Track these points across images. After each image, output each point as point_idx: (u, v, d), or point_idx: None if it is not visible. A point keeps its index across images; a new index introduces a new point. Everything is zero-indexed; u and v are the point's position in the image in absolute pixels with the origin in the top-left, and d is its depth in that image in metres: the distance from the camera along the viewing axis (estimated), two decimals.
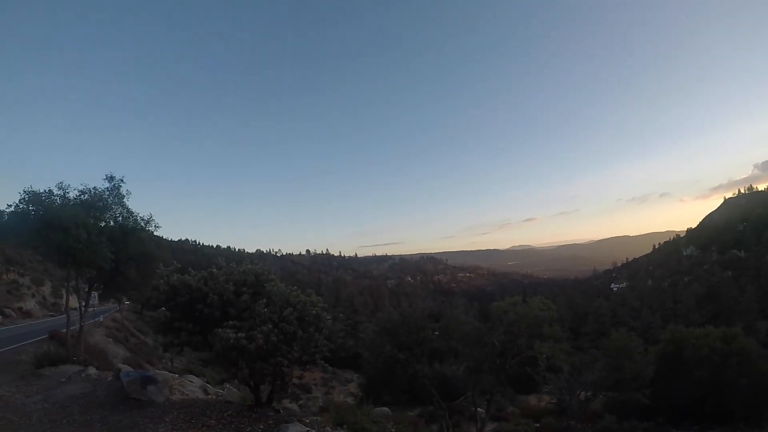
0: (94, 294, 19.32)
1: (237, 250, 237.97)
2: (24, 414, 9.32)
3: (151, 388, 9.94)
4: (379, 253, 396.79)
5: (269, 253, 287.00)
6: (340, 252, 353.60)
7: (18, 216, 13.15)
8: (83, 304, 17.33)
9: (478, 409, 24.10)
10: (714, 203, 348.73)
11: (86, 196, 14.71)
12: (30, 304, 43.19)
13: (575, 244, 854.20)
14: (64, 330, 17.70)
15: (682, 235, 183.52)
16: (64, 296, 24.09)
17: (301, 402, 29.75)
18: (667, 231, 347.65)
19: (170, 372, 12.52)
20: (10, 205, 13.10)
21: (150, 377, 10.37)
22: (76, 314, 18.47)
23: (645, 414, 26.10)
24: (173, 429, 8.02)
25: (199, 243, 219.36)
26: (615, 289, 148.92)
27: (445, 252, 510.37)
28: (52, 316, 40.78)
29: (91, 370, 13.02)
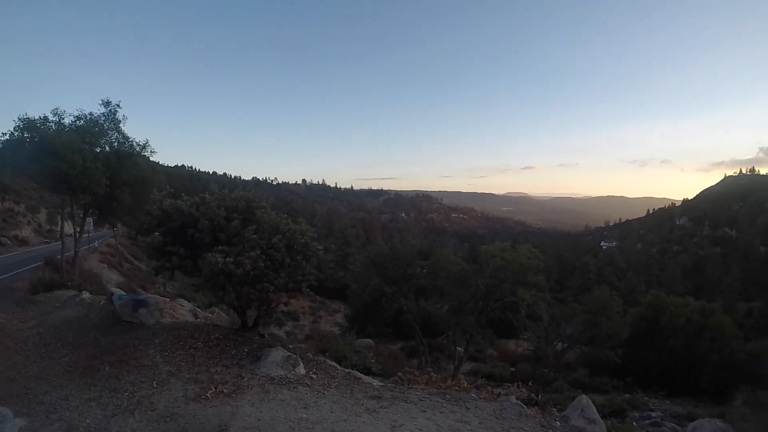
0: (89, 220, 19.39)
1: (233, 177, 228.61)
2: (20, 339, 9.63)
3: (142, 311, 10.18)
4: (375, 187, 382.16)
5: (265, 181, 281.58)
6: (336, 183, 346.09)
7: (13, 144, 13.10)
8: (78, 230, 17.48)
9: (458, 348, 24.81)
10: (714, 178, 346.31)
11: (82, 121, 14.59)
12: (26, 232, 43.49)
13: (571, 197, 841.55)
14: (59, 256, 17.96)
15: (677, 205, 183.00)
16: (59, 223, 24.25)
17: (287, 329, 30.48)
18: (663, 198, 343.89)
19: (162, 296, 12.91)
20: (5, 133, 13.00)
21: (141, 301, 10.61)
22: (71, 240, 18.67)
23: (616, 373, 26.95)
24: (162, 350, 8.31)
25: (196, 169, 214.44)
26: (605, 247, 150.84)
27: (441, 191, 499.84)
28: (47, 243, 41.15)
29: (85, 295, 13.30)
